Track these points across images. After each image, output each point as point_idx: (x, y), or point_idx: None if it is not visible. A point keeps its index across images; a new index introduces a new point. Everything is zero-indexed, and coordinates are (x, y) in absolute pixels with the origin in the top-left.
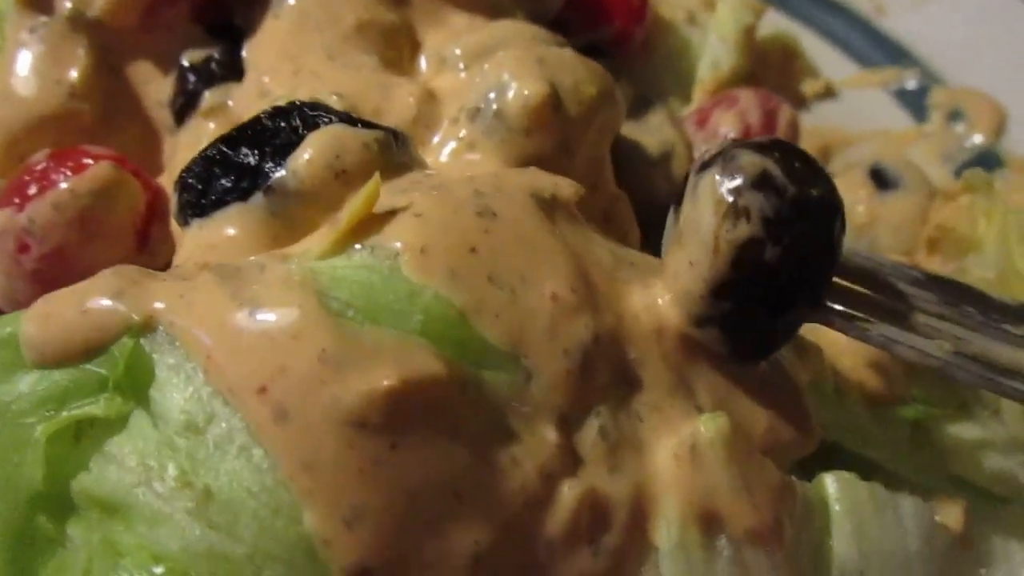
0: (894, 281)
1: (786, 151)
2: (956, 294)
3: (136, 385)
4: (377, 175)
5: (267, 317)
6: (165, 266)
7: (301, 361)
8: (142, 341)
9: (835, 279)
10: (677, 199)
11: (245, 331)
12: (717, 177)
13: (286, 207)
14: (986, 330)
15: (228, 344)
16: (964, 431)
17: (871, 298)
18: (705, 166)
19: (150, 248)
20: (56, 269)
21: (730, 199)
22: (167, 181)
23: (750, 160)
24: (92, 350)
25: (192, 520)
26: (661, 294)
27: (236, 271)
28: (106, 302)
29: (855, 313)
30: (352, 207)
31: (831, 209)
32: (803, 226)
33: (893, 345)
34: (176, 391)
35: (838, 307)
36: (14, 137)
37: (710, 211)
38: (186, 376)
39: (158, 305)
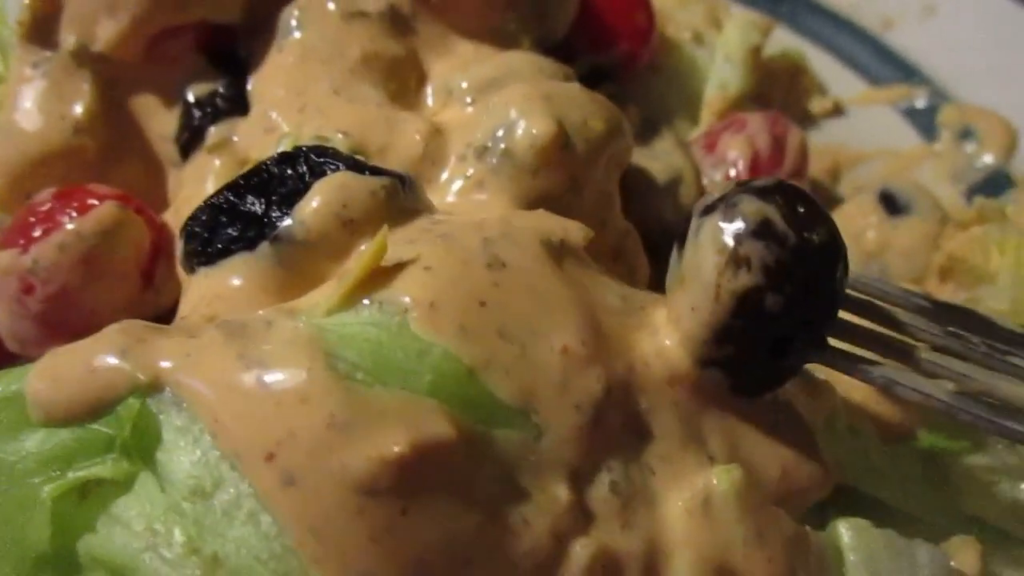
0: (897, 311)
1: (789, 196)
2: (961, 322)
3: (143, 447)
4: (385, 228)
5: (275, 379)
6: (172, 306)
7: (309, 427)
8: (149, 401)
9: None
10: (680, 238)
11: (252, 394)
12: (719, 223)
13: (293, 257)
14: (991, 362)
15: (235, 407)
16: (978, 464)
17: (873, 332)
18: (708, 210)
19: (155, 287)
20: (61, 310)
21: (731, 246)
22: (172, 217)
23: (751, 207)
24: (98, 409)
25: None
26: (668, 336)
27: (243, 328)
28: (112, 360)
29: (857, 353)
30: (360, 261)
31: (833, 256)
32: (804, 274)
33: (895, 387)
34: (183, 454)
35: (841, 346)
36: (19, 173)
37: (711, 258)
38: (193, 439)
39: (164, 364)
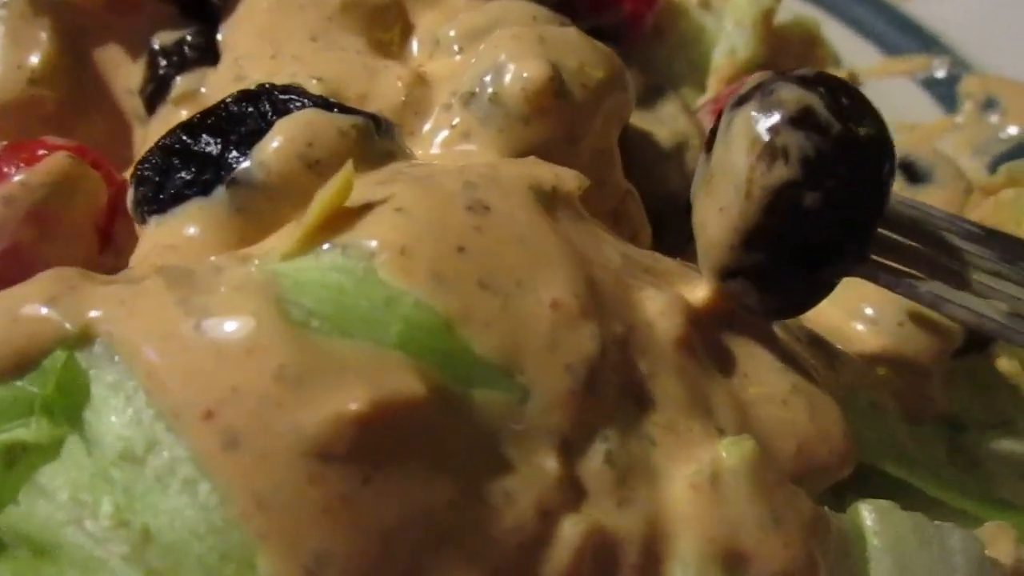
0: (946, 234)
1: (833, 85)
2: (1013, 249)
3: (69, 406)
4: (350, 163)
5: (217, 328)
6: None
7: (255, 380)
8: (78, 355)
9: (881, 230)
10: (709, 140)
11: (191, 344)
12: (753, 113)
13: (252, 202)
14: None
15: (173, 359)
16: (1007, 447)
17: (920, 251)
18: (741, 101)
19: (115, 247)
20: (12, 269)
21: (766, 138)
22: None
23: (791, 94)
24: (23, 364)
25: (128, 566)
26: (681, 278)
27: (189, 274)
28: (40, 309)
29: (903, 268)
30: (321, 199)
31: (880, 150)
32: (848, 169)
33: (944, 304)
34: (114, 414)
35: (884, 261)
36: None
37: (743, 151)
38: (125, 396)
39: (94, 313)
